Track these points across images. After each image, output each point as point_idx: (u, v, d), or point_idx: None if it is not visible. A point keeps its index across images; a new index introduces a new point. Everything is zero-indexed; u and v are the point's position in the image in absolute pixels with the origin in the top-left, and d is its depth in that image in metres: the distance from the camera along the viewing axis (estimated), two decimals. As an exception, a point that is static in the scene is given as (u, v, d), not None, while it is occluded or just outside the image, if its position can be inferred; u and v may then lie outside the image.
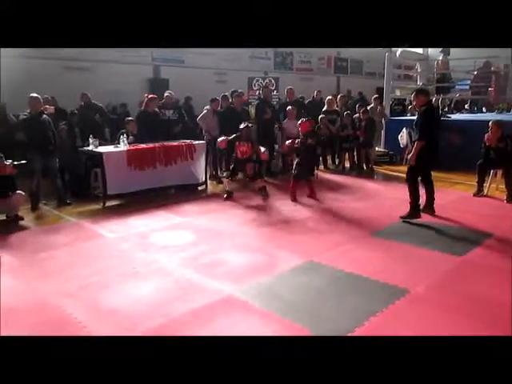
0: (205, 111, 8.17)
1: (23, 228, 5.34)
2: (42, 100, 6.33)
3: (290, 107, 8.36)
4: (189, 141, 7.17)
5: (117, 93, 10.45)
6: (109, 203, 6.24)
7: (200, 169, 7.18)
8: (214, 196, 6.93)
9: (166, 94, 8.14)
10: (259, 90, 9.86)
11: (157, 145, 6.70)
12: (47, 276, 3.89)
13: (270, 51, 16.10)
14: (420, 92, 5.35)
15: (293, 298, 3.36)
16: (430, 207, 5.40)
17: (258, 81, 10.32)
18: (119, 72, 11.35)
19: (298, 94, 8.99)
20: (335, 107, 9.25)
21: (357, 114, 9.04)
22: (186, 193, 6.86)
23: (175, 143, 7.01)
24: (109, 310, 3.25)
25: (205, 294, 3.46)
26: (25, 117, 6.23)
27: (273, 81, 10.40)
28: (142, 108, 7.55)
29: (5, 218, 5.54)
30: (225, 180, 6.92)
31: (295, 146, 6.51)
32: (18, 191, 5.52)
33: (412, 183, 5.23)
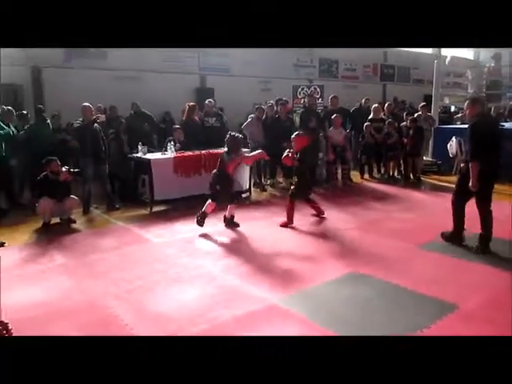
0: (249, 119, 8.25)
1: (75, 231, 5.58)
2: (93, 109, 6.62)
3: (335, 115, 8.29)
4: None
5: (165, 102, 10.72)
6: (155, 208, 6.41)
7: (244, 176, 7.23)
8: (258, 203, 6.96)
9: (205, 103, 8.29)
10: (304, 98, 9.83)
11: (203, 152, 6.83)
12: (97, 277, 4.04)
13: (316, 59, 16.05)
14: (475, 101, 4.67)
15: (338, 310, 3.31)
16: (484, 243, 4.43)
17: (302, 89, 10.29)
18: (167, 81, 11.66)
19: (342, 102, 8.90)
20: (381, 115, 9.09)
21: (404, 123, 8.83)
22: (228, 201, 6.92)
23: (220, 150, 7.09)
24: (154, 313, 3.33)
25: (248, 301, 3.47)
26: (78, 125, 6.52)
27: (318, 89, 10.33)
28: (184, 117, 7.73)
29: (59, 220, 5.81)
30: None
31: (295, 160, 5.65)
32: (71, 196, 5.78)
33: (458, 208, 4.58)
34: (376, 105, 9.24)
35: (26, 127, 7.30)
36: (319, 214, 5.87)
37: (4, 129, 6.60)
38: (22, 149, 7.07)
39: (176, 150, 6.74)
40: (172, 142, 6.78)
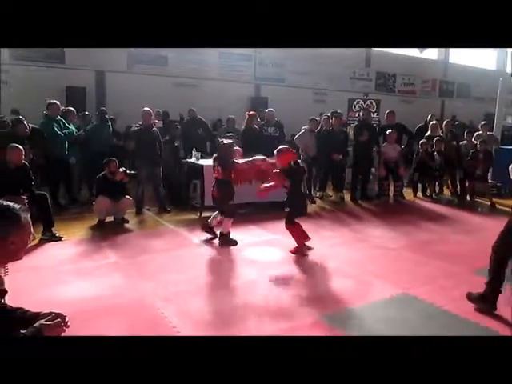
0: (302, 130, 8.25)
1: (128, 230, 5.77)
2: (153, 114, 6.85)
3: (390, 131, 8.12)
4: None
5: (219, 109, 10.93)
6: (205, 214, 6.49)
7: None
8: (306, 216, 6.89)
9: (266, 111, 8.36)
10: (359, 111, 9.71)
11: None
12: (146, 277, 4.15)
13: (372, 72, 15.84)
14: None
15: (384, 332, 3.21)
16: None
17: (358, 102, 10.16)
18: (223, 89, 11.89)
19: (399, 117, 8.70)
20: (439, 133, 8.80)
21: (464, 141, 8.51)
22: (278, 210, 6.91)
23: (273, 160, 7.12)
24: (199, 317, 3.37)
25: (292, 315, 3.44)
26: (136, 128, 6.77)
27: (374, 103, 10.17)
28: (244, 125, 7.83)
29: (113, 219, 6.03)
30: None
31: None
32: (126, 196, 5.99)
33: (500, 259, 3.50)
34: (434, 122, 8.97)
35: (87, 128, 7.66)
36: (296, 250, 4.95)
37: (68, 128, 6.96)
38: (82, 148, 7.43)
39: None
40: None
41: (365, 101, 10.45)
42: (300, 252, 4.89)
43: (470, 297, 3.64)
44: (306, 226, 6.13)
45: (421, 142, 8.50)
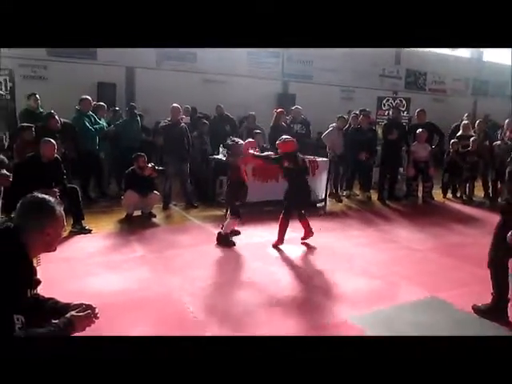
0: (330, 128, 8.17)
1: (155, 225, 5.84)
2: (181, 110, 6.91)
3: (420, 130, 7.95)
4: (312, 157, 7.20)
5: (246, 106, 10.92)
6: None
7: (321, 186, 7.16)
8: (333, 214, 6.84)
9: (293, 108, 8.32)
10: (388, 110, 9.55)
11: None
12: (173, 272, 4.19)
13: (402, 69, 15.54)
14: None
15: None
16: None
17: (387, 101, 9.99)
18: (251, 86, 11.87)
19: (429, 116, 8.50)
20: (471, 132, 8.56)
21: (498, 142, 8.26)
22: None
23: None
24: (225, 313, 3.38)
25: (318, 314, 3.42)
26: (164, 124, 6.84)
27: (404, 101, 9.98)
28: (272, 122, 7.81)
29: (140, 213, 6.11)
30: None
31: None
32: (154, 191, 6.07)
33: (500, 267, 3.32)
34: (466, 121, 8.74)
35: (117, 123, 7.78)
36: (307, 235, 5.19)
37: (98, 123, 7.08)
38: (112, 143, 7.55)
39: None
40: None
41: (394, 99, 10.27)
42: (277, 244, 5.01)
43: (477, 310, 3.42)
44: (333, 224, 6.11)
45: (452, 141, 8.31)
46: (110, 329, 2.85)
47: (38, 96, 6.96)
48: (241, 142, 5.31)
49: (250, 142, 5.61)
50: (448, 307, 3.61)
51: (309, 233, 5.18)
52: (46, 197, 1.93)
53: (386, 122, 8.59)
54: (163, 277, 4.09)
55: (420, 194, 8.11)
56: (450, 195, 8.43)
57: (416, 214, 6.99)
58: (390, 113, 8.99)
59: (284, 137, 5.23)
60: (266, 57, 12.71)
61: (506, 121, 8.76)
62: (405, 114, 9.70)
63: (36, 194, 1.93)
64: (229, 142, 5.36)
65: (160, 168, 6.25)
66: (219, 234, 5.08)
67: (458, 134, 8.47)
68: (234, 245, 5.01)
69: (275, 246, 5.00)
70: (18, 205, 1.89)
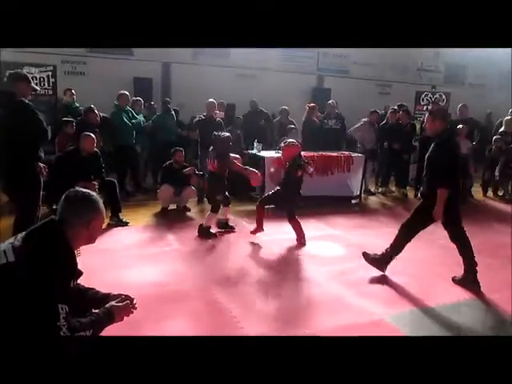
0: (361, 122, 8.02)
1: (189, 219, 5.92)
2: (216, 104, 6.94)
3: (460, 126, 7.69)
4: (347, 152, 7.11)
5: (281, 100, 10.88)
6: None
7: (356, 182, 7.06)
8: (368, 211, 6.74)
9: (328, 103, 8.22)
10: (427, 105, 9.29)
11: (315, 154, 6.78)
12: (207, 266, 4.24)
13: (441, 63, 15.07)
14: (437, 115, 3.95)
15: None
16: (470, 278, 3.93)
17: (426, 95, 9.73)
18: (285, 80, 11.78)
19: (469, 111, 8.21)
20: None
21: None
22: (338, 204, 6.80)
23: (333, 154, 7.02)
24: (259, 309, 3.39)
25: (352, 313, 3.37)
26: (199, 118, 6.89)
27: (443, 96, 9.69)
28: (304, 117, 7.75)
29: (175, 207, 6.20)
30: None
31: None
32: (189, 185, 6.13)
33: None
34: (509, 117, 8.39)
35: (153, 118, 7.91)
36: (299, 239, 5.01)
37: (136, 118, 7.21)
38: (148, 137, 7.68)
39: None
40: (287, 141, 6.82)
41: (433, 94, 9.98)
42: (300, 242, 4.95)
43: (455, 281, 3.97)
44: (368, 222, 6.00)
45: (494, 137, 8.01)
46: (145, 320, 2.92)
47: (73, 91, 7.16)
48: (227, 135, 5.23)
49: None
50: (489, 310, 3.49)
51: (300, 237, 5.00)
52: (90, 191, 1.98)
53: (424, 117, 8.34)
54: (197, 270, 4.14)
55: (459, 192, 7.86)
56: (490, 193, 8.14)
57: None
58: (429, 108, 8.74)
59: (289, 140, 5.12)
60: (301, 50, 12.59)
61: None
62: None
63: (79, 188, 1.99)
64: (215, 135, 5.20)
65: (200, 173, 6.26)
66: (201, 226, 5.10)
67: (500, 130, 8.15)
68: (216, 236, 5.07)
69: (254, 233, 5.04)
70: (62, 198, 1.94)
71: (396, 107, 8.11)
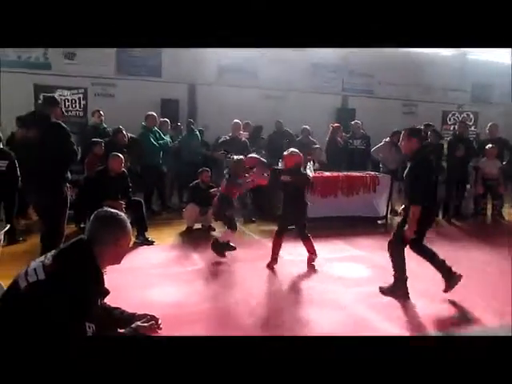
0: (382, 143, 7.96)
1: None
2: (242, 125, 7.03)
3: (489, 145, 7.55)
4: (373, 173, 7.05)
5: (306, 121, 10.95)
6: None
7: (382, 202, 6.97)
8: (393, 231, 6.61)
9: (352, 123, 8.21)
10: (454, 124, 9.16)
11: (340, 174, 6.76)
12: (231, 287, 4.24)
13: (468, 82, 14.87)
14: (412, 133, 3.99)
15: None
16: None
17: (453, 115, 9.60)
18: (310, 101, 11.86)
19: (500, 130, 8.05)
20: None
21: None
22: (364, 225, 6.72)
23: (359, 174, 6.97)
24: (284, 331, 3.34)
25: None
26: (224, 139, 6.98)
27: (471, 115, 9.54)
28: (328, 137, 7.76)
29: (200, 226, 6.23)
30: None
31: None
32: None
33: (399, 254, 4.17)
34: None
35: (178, 139, 8.06)
36: (312, 255, 4.94)
37: (163, 139, 7.35)
38: (174, 157, 7.81)
39: (314, 170, 6.77)
40: (311, 162, 6.83)
41: (461, 113, 9.84)
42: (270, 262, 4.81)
43: (384, 290, 4.11)
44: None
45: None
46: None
47: (101, 112, 7.36)
48: (241, 157, 5.26)
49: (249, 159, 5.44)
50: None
51: (313, 254, 4.92)
52: (118, 212, 2.02)
53: (451, 137, 8.21)
54: (221, 291, 4.13)
55: (489, 213, 7.67)
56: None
57: (485, 234, 6.62)
58: (456, 127, 8.62)
59: (291, 149, 5.02)
60: (326, 71, 12.67)
61: None
62: (473, 129, 9.25)
63: (108, 208, 2.03)
64: (230, 158, 5.36)
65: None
66: (215, 240, 5.10)
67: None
68: (235, 249, 5.08)
69: (270, 267, 4.79)
70: (92, 218, 1.99)
71: (421, 127, 8.01)
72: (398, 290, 4.07)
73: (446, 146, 8.01)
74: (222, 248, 5.02)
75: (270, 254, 4.86)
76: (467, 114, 9.63)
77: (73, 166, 6.62)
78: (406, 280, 4.09)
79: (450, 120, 9.53)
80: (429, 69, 12.92)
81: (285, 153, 5.00)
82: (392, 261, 4.14)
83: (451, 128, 9.31)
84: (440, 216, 7.57)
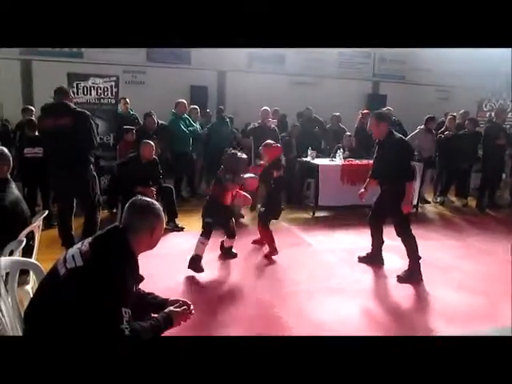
0: (417, 130, 7.76)
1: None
2: (271, 112, 6.98)
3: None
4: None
5: (336, 107, 10.80)
6: (318, 214, 6.46)
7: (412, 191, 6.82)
8: (425, 221, 6.49)
9: (385, 109, 8.02)
10: (490, 111, 8.84)
11: (370, 162, 6.62)
12: (263, 275, 4.24)
13: (504, 69, 14.28)
14: (381, 118, 4.20)
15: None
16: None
17: (489, 101, 9.26)
18: (340, 87, 11.68)
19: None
20: None
21: None
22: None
23: (389, 162, 6.84)
24: (315, 320, 3.34)
25: (410, 328, 3.25)
26: (253, 126, 6.96)
27: (508, 103, 9.18)
28: (357, 124, 7.62)
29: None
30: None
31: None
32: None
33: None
34: None
35: (207, 125, 8.08)
36: (270, 253, 4.68)
37: (192, 125, 7.38)
38: (203, 144, 7.84)
39: (344, 158, 6.70)
40: (341, 149, 6.75)
41: (497, 100, 9.48)
42: (271, 255, 4.67)
43: (401, 279, 4.12)
44: (427, 233, 5.78)
45: None
46: (201, 325, 2.96)
47: (127, 100, 7.43)
48: (239, 155, 4.59)
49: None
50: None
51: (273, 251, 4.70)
52: (153, 201, 2.04)
53: (488, 124, 7.92)
54: (251, 278, 4.15)
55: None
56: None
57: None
58: (493, 115, 8.32)
59: (269, 141, 4.85)
60: (356, 57, 12.44)
61: None
62: (510, 116, 8.92)
63: (142, 197, 2.05)
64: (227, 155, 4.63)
65: None
66: (222, 245, 4.76)
67: None
68: (236, 256, 4.70)
69: (268, 257, 4.66)
70: (127, 206, 2.01)
71: (455, 114, 7.78)
72: (412, 276, 4.12)
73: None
74: (227, 252, 4.79)
75: (268, 246, 4.72)
76: (504, 100, 9.26)
77: (105, 152, 6.86)
78: (419, 260, 4.15)
79: (486, 107, 9.18)
80: (463, 54, 12.49)
81: (265, 145, 4.81)
82: (405, 246, 4.21)
83: (487, 115, 8.97)
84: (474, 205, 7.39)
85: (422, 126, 7.67)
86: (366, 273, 4.35)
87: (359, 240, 5.25)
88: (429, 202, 7.58)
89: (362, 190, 4.59)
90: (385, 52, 12.68)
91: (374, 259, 4.56)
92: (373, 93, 12.84)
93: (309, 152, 6.84)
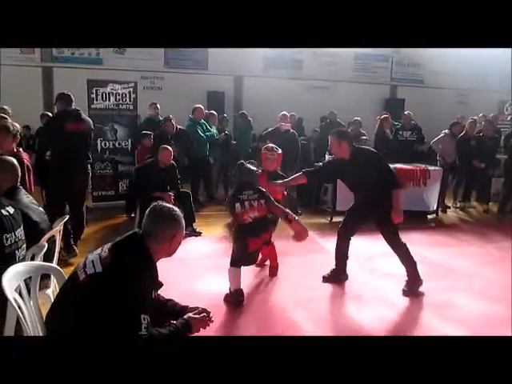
0: (442, 134, 7.66)
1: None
2: (288, 117, 6.97)
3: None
4: (424, 165, 6.82)
5: (353, 112, 10.74)
6: (335, 219, 6.40)
7: (432, 196, 6.74)
8: (445, 227, 6.39)
9: (404, 114, 7.96)
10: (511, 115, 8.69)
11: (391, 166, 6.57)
12: (279, 280, 4.22)
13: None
14: (342, 136, 3.95)
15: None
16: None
17: (510, 105, 9.10)
18: (357, 91, 11.62)
19: None
20: None
21: None
22: (413, 219, 6.50)
23: (408, 166, 6.76)
24: (333, 326, 3.31)
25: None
26: (270, 130, 6.96)
27: (530, 105, 9.02)
28: (376, 129, 7.56)
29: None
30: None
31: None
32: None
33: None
34: None
35: (225, 130, 8.11)
36: (263, 262, 4.54)
37: (210, 131, 7.42)
38: (221, 150, 7.87)
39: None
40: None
41: (519, 103, 9.32)
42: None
43: (407, 292, 3.95)
44: (448, 239, 5.68)
45: None
46: (218, 332, 2.95)
47: (158, 105, 7.52)
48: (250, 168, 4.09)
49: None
50: None
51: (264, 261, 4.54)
52: (174, 207, 2.05)
53: (510, 129, 7.78)
54: (267, 284, 4.13)
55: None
56: None
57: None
58: (514, 118, 8.19)
59: (271, 145, 4.69)
60: (373, 60, 12.36)
61: None
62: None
63: (163, 203, 2.06)
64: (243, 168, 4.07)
65: None
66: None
67: None
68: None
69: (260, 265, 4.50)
70: (147, 213, 2.02)
71: (475, 118, 7.66)
72: (413, 284, 3.97)
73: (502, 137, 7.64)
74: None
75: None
76: (525, 104, 9.09)
77: (124, 157, 6.95)
78: (416, 266, 4.00)
79: (506, 110, 9.02)
80: (483, 57, 12.30)
81: (271, 150, 4.68)
82: (398, 255, 4.03)
83: (508, 118, 8.81)
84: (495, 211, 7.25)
85: (447, 131, 7.57)
86: (384, 279, 4.29)
87: (376, 245, 5.17)
88: (449, 207, 7.46)
89: None
90: (403, 56, 12.58)
91: (339, 276, 4.22)
92: (390, 97, 12.73)
93: (326, 157, 6.79)
